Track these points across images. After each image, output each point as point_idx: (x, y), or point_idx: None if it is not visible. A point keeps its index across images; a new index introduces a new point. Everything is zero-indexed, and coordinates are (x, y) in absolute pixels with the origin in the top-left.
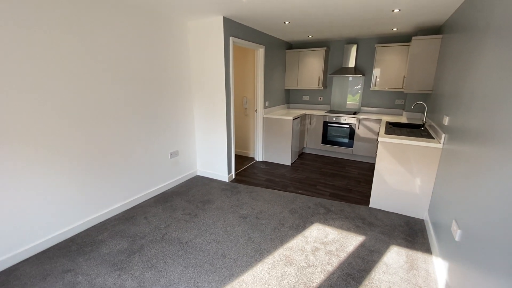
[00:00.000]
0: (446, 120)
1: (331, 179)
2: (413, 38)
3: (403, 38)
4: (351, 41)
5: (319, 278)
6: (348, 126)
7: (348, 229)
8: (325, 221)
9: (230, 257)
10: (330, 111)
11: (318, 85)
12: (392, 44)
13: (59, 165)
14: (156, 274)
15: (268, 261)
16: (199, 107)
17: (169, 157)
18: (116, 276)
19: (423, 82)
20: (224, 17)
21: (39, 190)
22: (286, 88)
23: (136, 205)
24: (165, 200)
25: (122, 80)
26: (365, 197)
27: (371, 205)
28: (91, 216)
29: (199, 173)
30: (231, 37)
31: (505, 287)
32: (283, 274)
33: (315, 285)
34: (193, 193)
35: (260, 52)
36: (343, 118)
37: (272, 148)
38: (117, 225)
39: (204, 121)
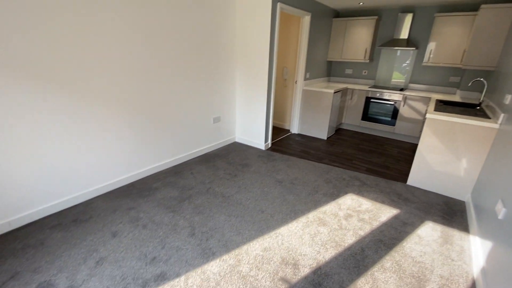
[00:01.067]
0: (508, 99)
1: (368, 155)
2: (482, 6)
3: (469, 7)
4: (406, 9)
5: (350, 240)
6: (392, 103)
7: (383, 202)
8: (359, 192)
9: (267, 212)
10: (374, 86)
11: (364, 57)
12: (455, 13)
13: (123, 123)
14: (204, 218)
15: (302, 220)
16: (241, 76)
17: (212, 122)
18: (170, 216)
19: (486, 58)
20: None
21: (108, 142)
22: (328, 60)
23: (183, 162)
24: (207, 160)
25: (174, 45)
26: (403, 175)
27: (408, 182)
28: (146, 167)
29: (237, 140)
30: (278, 3)
31: None
32: (316, 232)
33: (346, 245)
34: (232, 156)
35: (306, 20)
36: (387, 94)
37: (309, 121)
38: (168, 177)
39: (245, 89)
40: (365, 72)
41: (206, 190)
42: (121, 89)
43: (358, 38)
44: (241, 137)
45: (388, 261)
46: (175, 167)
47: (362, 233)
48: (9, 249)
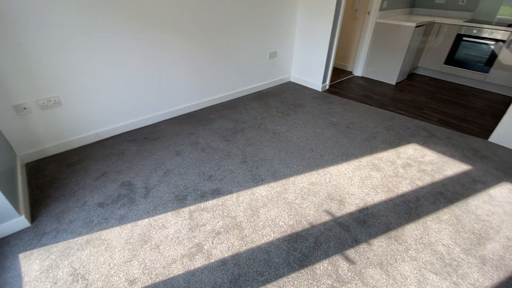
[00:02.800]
0: None
1: (444, 106)
2: None
3: None
4: None
5: (405, 188)
6: (492, 43)
7: (452, 156)
8: (424, 143)
9: (317, 152)
10: (472, 21)
11: None
12: None
13: (185, 54)
14: (255, 150)
15: (354, 163)
16: (304, 7)
17: (268, 57)
18: (225, 144)
19: None
20: None
21: (172, 71)
22: None
23: (237, 98)
24: (261, 97)
25: None
26: (485, 131)
27: (491, 139)
28: (204, 99)
29: (292, 79)
30: None
31: None
32: (367, 176)
33: (399, 192)
34: (285, 96)
35: None
36: (488, 31)
37: (377, 63)
38: (223, 110)
39: (307, 23)
40: (462, 2)
41: (258, 126)
42: (185, 19)
43: None
44: (296, 77)
45: (445, 214)
46: (229, 102)
47: (420, 183)
48: (99, 154)
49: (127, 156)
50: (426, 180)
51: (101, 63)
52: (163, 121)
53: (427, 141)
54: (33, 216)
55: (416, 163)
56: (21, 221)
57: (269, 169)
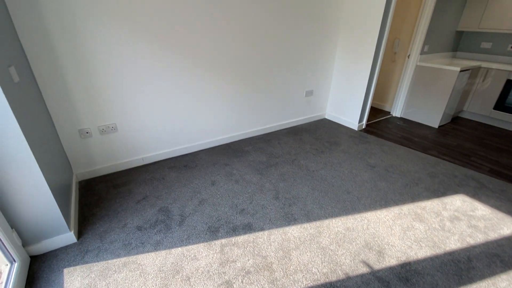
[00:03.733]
0: None
1: (495, 154)
2: None
3: None
4: None
5: (454, 245)
6: None
7: (508, 212)
8: (475, 195)
9: (354, 194)
10: None
11: None
12: None
13: (225, 90)
14: (288, 186)
15: (394, 210)
16: (342, 48)
17: (304, 95)
18: (258, 177)
19: None
20: None
21: (213, 105)
22: (459, 29)
23: (271, 132)
24: (295, 133)
25: (274, 14)
26: None
27: None
28: (240, 132)
29: (327, 117)
30: None
31: None
32: (409, 226)
33: (447, 248)
34: (320, 133)
35: None
36: None
37: (417, 104)
38: (258, 143)
39: (345, 64)
40: (511, 48)
41: (292, 161)
42: (225, 58)
43: (510, 2)
44: (332, 114)
45: (503, 281)
46: (264, 135)
47: (471, 241)
48: (142, 178)
49: (167, 181)
50: (478, 238)
51: (152, 97)
52: (202, 150)
53: (477, 193)
54: (80, 233)
55: (466, 217)
56: (69, 237)
57: (302, 208)
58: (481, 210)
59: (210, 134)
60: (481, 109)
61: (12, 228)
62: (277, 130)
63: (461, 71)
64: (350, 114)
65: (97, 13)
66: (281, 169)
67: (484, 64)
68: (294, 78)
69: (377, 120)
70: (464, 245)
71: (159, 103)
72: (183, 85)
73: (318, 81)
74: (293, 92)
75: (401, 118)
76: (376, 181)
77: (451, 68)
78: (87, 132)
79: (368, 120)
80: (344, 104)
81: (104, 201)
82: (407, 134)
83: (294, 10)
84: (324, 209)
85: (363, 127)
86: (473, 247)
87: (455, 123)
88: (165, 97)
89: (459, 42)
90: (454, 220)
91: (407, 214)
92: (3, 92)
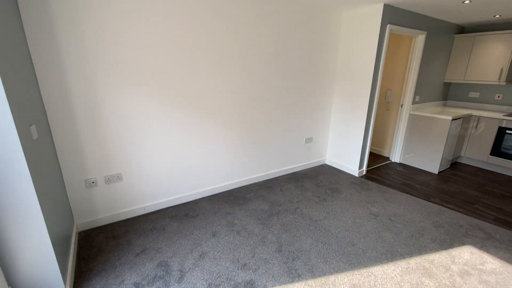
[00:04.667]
0: None
1: (499, 201)
2: None
3: None
4: None
5: None
6: None
7: None
8: (482, 246)
9: (359, 246)
10: None
11: (499, 79)
12: None
13: (226, 137)
14: (291, 237)
15: (402, 264)
16: (338, 98)
17: (304, 142)
18: (260, 228)
19: None
20: (384, 4)
21: (215, 153)
22: (446, 81)
23: (273, 178)
24: (296, 179)
25: (273, 68)
26: None
27: None
28: (242, 178)
29: (327, 162)
30: (388, 25)
31: None
32: (419, 283)
33: None
34: (321, 179)
35: (420, 39)
36: None
37: (415, 150)
38: (260, 190)
39: (341, 112)
40: (498, 97)
41: (294, 210)
42: (228, 109)
43: (491, 56)
44: (332, 160)
45: None
46: (266, 182)
47: None
48: (142, 228)
49: (167, 232)
50: None
51: (156, 147)
52: (203, 198)
53: (485, 244)
54: None
55: (476, 271)
56: None
57: (306, 263)
58: (491, 263)
59: (212, 181)
60: (478, 154)
61: (9, 286)
62: (279, 176)
63: (453, 119)
64: (350, 160)
65: (114, 78)
66: (283, 219)
67: (475, 112)
68: (294, 126)
69: (377, 166)
70: None
71: (163, 152)
72: (188, 136)
73: (317, 128)
74: (293, 139)
75: (400, 164)
76: (381, 232)
77: (443, 117)
78: (92, 182)
79: (368, 165)
80: (343, 151)
81: (103, 253)
82: (407, 180)
83: (293, 65)
84: (329, 264)
85: (364, 173)
86: None
87: (455, 168)
88: (170, 147)
89: (448, 92)
90: (464, 275)
91: (415, 268)
92: (22, 151)
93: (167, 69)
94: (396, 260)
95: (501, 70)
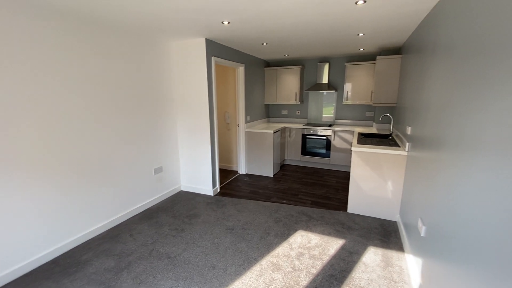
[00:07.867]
0: (409, 130)
1: (312, 188)
2: (377, 57)
3: (369, 57)
4: (323, 60)
5: (304, 281)
6: (324, 137)
7: (329, 234)
8: (307, 227)
9: (219, 267)
10: (308, 124)
11: (296, 100)
12: (359, 62)
13: (45, 185)
14: None
15: (256, 268)
16: (182, 123)
17: (153, 173)
18: None
19: (389, 96)
20: (206, 39)
21: (19, 211)
22: (265, 103)
23: (121, 223)
24: (150, 216)
25: (105, 97)
26: (343, 204)
27: (349, 210)
28: (74, 237)
29: (183, 188)
30: (213, 57)
31: (464, 273)
32: (270, 280)
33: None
34: (178, 208)
35: (240, 70)
36: (319, 130)
37: (254, 161)
38: (102, 244)
39: (187, 136)
40: (298, 112)
41: (149, 253)
42: (44, 145)
43: (289, 84)
44: (187, 185)
45: None
46: (111, 230)
47: (314, 271)
48: None
49: None
50: (318, 266)
51: None
52: (8, 284)
53: (308, 225)
54: None
55: (306, 250)
56: None
57: None
58: (314, 239)
59: (22, 256)
60: (295, 155)
61: None
62: (129, 218)
63: (274, 132)
64: (203, 181)
65: None
66: (135, 270)
67: (287, 125)
68: (140, 158)
69: (229, 181)
70: (311, 277)
71: None
72: None
73: (166, 157)
74: (140, 173)
75: (246, 174)
76: (237, 244)
77: (267, 131)
78: None
79: (220, 182)
80: (196, 173)
81: None
82: (253, 187)
83: (129, 95)
84: None
85: (218, 191)
86: (317, 276)
87: (283, 169)
88: None
89: (269, 111)
90: (300, 257)
91: (266, 268)
92: None
93: None
94: (252, 266)
95: (296, 94)
